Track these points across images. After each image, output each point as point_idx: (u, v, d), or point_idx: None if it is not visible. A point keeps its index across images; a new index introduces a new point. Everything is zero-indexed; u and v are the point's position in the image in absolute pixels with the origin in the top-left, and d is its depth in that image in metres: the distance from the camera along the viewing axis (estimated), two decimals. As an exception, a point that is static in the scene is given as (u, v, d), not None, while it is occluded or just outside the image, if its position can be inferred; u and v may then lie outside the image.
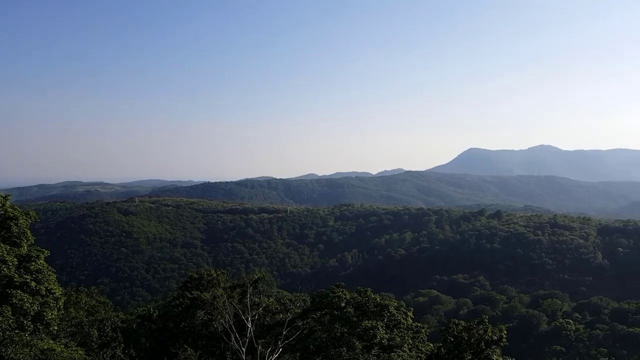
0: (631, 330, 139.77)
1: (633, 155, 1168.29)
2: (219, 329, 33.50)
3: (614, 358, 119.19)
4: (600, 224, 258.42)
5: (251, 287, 40.89)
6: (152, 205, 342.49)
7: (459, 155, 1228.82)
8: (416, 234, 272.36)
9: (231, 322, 27.87)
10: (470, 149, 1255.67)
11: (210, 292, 41.87)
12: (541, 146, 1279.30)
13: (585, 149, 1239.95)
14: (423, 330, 43.11)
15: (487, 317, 38.76)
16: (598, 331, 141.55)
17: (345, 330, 38.75)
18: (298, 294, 49.78)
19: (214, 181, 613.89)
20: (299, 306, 43.13)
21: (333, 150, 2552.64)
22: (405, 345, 39.63)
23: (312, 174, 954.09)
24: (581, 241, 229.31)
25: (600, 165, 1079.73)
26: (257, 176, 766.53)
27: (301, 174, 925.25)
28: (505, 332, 37.00)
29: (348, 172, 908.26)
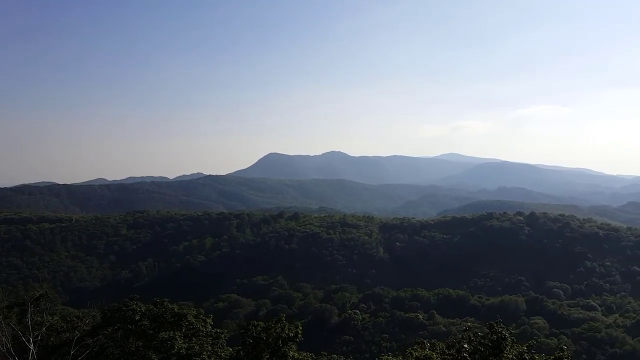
0: (407, 315, 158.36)
1: (406, 161, 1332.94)
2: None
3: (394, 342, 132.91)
4: (381, 222, 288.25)
5: (32, 306, 37.12)
6: None
7: (259, 160, 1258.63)
8: (217, 239, 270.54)
9: (9, 346, 24.57)
10: (270, 153, 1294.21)
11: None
12: (333, 152, 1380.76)
13: (368, 155, 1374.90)
14: (222, 336, 43.36)
15: (284, 315, 39.83)
16: (381, 319, 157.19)
17: (141, 344, 37.55)
18: (87, 310, 46.00)
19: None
20: (88, 323, 40.25)
21: (125, 153, 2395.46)
22: (205, 352, 39.26)
23: (102, 178, 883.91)
24: (366, 238, 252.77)
25: (381, 170, 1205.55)
26: (36, 181, 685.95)
27: (88, 179, 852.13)
28: (301, 328, 38.37)
29: (143, 177, 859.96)
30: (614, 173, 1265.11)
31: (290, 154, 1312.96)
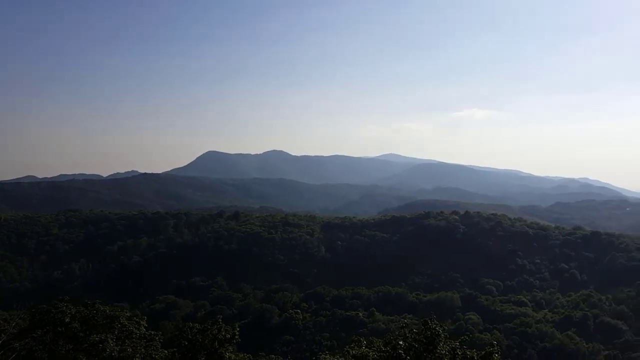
0: (348, 314, 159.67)
1: (348, 161, 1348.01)
2: None
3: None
4: (323, 221, 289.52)
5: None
6: None
7: (197, 158, 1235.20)
8: (153, 239, 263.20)
9: None
10: (209, 151, 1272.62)
11: None
12: (274, 151, 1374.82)
13: (310, 154, 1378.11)
14: (157, 338, 42.06)
15: (221, 316, 39.45)
16: (322, 318, 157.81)
17: (71, 347, 36.28)
18: (14, 312, 44.17)
19: None
20: (15, 326, 38.17)
21: (56, 150, 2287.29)
22: (138, 355, 38.25)
23: (32, 175, 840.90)
24: (308, 237, 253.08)
25: (323, 169, 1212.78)
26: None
27: (17, 176, 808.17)
28: (239, 329, 38.08)
29: (75, 174, 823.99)
30: (542, 174, 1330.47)
31: (230, 153, 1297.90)
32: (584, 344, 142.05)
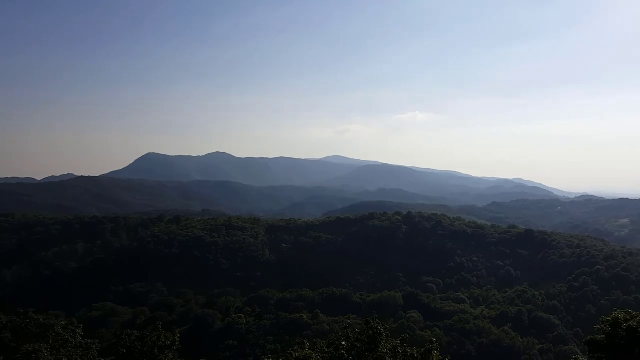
0: (292, 316, 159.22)
1: (293, 163, 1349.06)
2: None
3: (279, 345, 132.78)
4: (267, 224, 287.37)
5: None
6: None
7: (136, 160, 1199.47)
8: (90, 244, 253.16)
9: None
10: (149, 153, 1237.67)
11: None
12: (217, 153, 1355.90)
13: (254, 156, 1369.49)
14: (94, 347, 41.31)
15: (160, 323, 38.84)
16: (266, 321, 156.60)
17: (2, 358, 36.43)
18: None
19: None
20: None
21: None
22: None
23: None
24: (252, 240, 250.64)
25: (267, 171, 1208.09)
26: None
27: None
28: (179, 335, 37.53)
29: (7, 178, 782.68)
30: (480, 175, 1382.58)
31: (171, 155, 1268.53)
32: (520, 339, 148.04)
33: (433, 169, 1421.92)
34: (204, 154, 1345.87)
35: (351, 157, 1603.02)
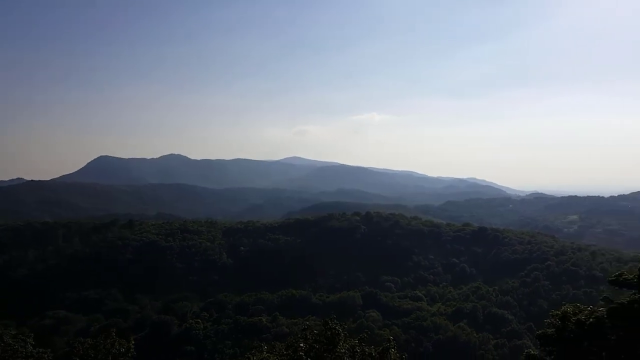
0: (251, 320, 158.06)
1: (250, 164, 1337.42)
2: None
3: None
4: (225, 227, 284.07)
5: None
6: None
7: (88, 164, 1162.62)
8: (41, 250, 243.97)
9: None
10: (101, 156, 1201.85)
11: None
12: (172, 155, 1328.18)
13: (211, 158, 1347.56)
14: (45, 356, 39.89)
15: (115, 330, 37.93)
16: (224, 326, 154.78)
17: None
18: None
19: None
20: None
21: None
22: None
23: None
24: (208, 244, 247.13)
25: (224, 173, 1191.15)
26: None
27: None
28: (134, 342, 36.91)
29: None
30: (435, 175, 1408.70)
31: (124, 157, 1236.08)
32: (475, 334, 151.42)
33: (391, 169, 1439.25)
34: (158, 156, 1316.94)
35: (310, 158, 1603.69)
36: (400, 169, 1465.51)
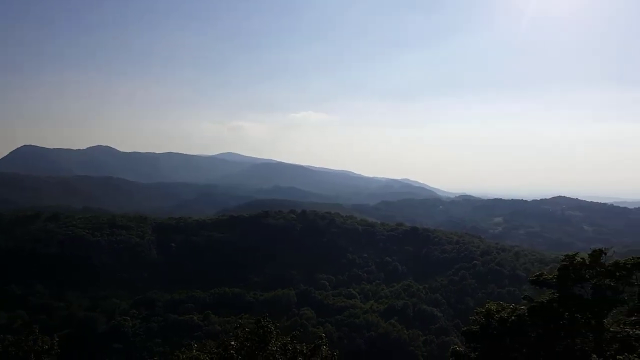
0: (182, 318, 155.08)
1: (183, 159, 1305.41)
2: None
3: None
4: (155, 222, 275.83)
5: None
6: None
7: (10, 153, 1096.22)
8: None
9: None
10: (24, 145, 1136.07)
11: None
12: (100, 146, 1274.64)
13: (141, 151, 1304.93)
14: None
15: (37, 327, 36.79)
16: (154, 323, 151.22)
17: None
18: None
19: None
20: None
21: None
22: None
23: None
24: (138, 239, 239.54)
25: (155, 167, 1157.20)
26: None
27: None
28: (58, 339, 36.10)
29: None
30: (371, 175, 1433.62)
31: (49, 147, 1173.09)
32: (405, 331, 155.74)
33: (327, 168, 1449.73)
34: (85, 147, 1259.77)
35: (246, 155, 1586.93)
36: (337, 168, 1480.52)
